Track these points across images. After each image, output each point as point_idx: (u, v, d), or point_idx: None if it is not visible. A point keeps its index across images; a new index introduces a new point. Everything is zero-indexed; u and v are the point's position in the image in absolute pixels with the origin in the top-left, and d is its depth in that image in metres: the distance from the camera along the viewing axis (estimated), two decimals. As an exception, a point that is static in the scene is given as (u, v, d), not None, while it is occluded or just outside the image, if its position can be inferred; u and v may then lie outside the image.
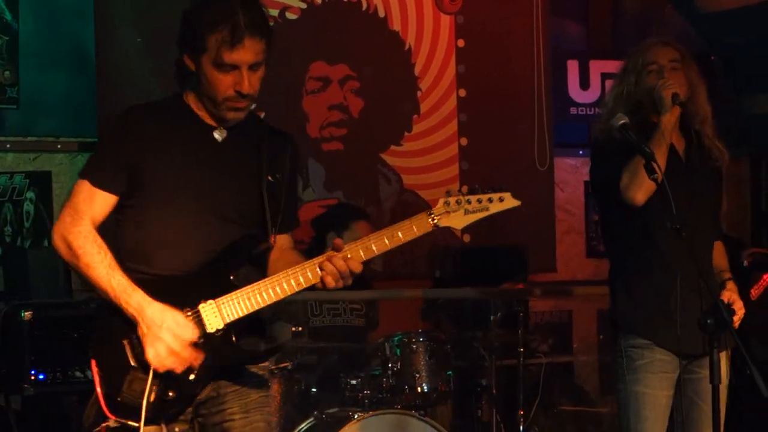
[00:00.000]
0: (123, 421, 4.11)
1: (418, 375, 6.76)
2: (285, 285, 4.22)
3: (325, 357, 7.19)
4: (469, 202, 4.39)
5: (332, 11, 8.64)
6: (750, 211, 9.39)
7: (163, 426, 4.17)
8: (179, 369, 4.10)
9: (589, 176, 5.62)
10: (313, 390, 6.93)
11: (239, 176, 4.32)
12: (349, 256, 4.20)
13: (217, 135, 4.30)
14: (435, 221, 4.33)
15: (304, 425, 6.64)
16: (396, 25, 8.80)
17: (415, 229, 4.30)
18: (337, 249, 4.19)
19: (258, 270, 4.31)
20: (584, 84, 8.99)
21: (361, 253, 4.23)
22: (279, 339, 7.32)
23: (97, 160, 4.27)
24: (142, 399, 4.10)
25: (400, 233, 4.28)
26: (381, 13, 8.77)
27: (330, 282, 4.19)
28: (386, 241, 4.26)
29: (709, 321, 4.70)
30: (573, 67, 8.99)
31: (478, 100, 8.96)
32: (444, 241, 8.83)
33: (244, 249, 4.28)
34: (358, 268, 4.21)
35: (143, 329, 4.09)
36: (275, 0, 8.52)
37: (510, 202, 4.47)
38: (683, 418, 5.32)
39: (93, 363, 4.15)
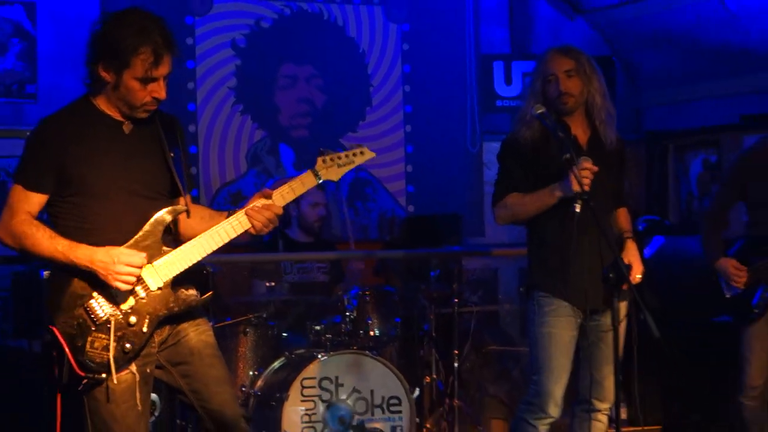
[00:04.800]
0: (92, 375, 4.12)
1: (371, 322, 6.78)
2: (213, 240, 4.29)
3: (294, 307, 7.22)
4: (339, 158, 4.49)
5: (299, 20, 8.67)
6: (645, 186, 9.44)
7: (133, 368, 4.18)
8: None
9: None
10: (284, 335, 6.94)
11: (149, 158, 4.30)
12: (271, 201, 4.33)
13: (124, 128, 4.26)
14: (317, 176, 4.44)
15: (276, 363, 6.66)
16: (352, 33, 8.81)
17: (303, 184, 4.42)
18: (267, 195, 4.33)
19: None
20: (508, 81, 8.98)
21: (278, 198, 4.36)
22: (253, 292, 7.34)
23: (26, 167, 4.19)
24: (107, 354, 4.11)
25: (296, 186, 4.40)
26: (340, 23, 8.77)
27: (258, 224, 4.31)
28: (285, 195, 4.38)
29: (611, 274, 4.74)
30: (498, 66, 8.98)
31: (420, 94, 8.98)
32: (393, 211, 8.85)
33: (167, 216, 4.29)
34: (278, 210, 4.35)
35: (101, 272, 4.08)
36: (252, 11, 8.51)
37: (368, 154, 4.59)
38: (585, 356, 5.35)
39: (56, 331, 4.09)
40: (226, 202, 8.33)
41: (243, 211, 4.33)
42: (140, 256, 4.13)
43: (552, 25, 9.30)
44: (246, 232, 4.35)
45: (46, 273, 5.65)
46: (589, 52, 5.46)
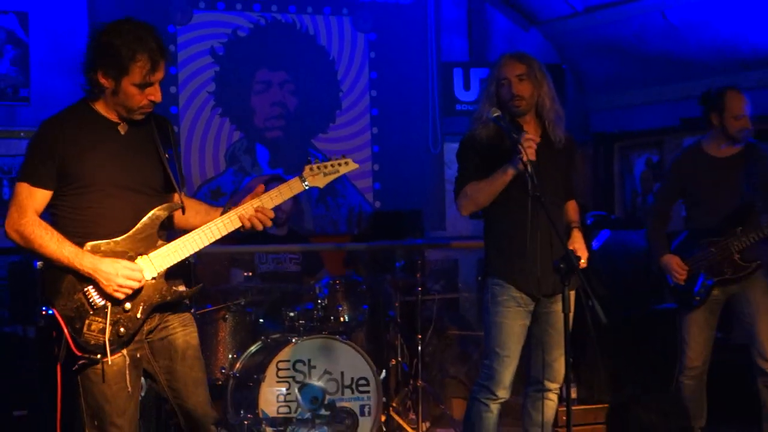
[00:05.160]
0: (88, 356, 4.12)
1: (341, 308, 6.82)
2: (204, 237, 4.29)
3: (270, 295, 7.23)
4: (325, 167, 4.49)
5: (274, 30, 8.65)
6: (593, 184, 9.51)
7: (124, 352, 4.18)
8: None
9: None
10: (261, 320, 6.94)
11: (144, 157, 4.29)
12: (260, 204, 4.34)
13: (120, 129, 4.25)
14: (305, 183, 4.44)
15: (253, 347, 6.68)
16: (323, 41, 8.81)
17: (291, 190, 4.43)
18: (257, 193, 4.36)
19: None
20: (467, 86, 9.02)
21: (267, 201, 4.37)
22: (232, 281, 7.35)
23: (31, 165, 4.16)
24: (103, 337, 4.11)
25: (284, 190, 4.41)
26: (311, 32, 8.77)
27: (248, 224, 4.33)
28: (273, 199, 4.39)
29: (561, 265, 4.78)
30: (458, 73, 9.02)
31: (386, 99, 8.99)
32: (360, 206, 8.87)
33: (163, 212, 4.29)
34: (270, 213, 4.37)
35: (102, 282, 4.08)
36: (229, 21, 8.52)
37: (352, 165, 4.59)
38: (537, 341, 5.40)
39: (56, 313, 4.08)
40: (206, 198, 8.31)
41: (234, 211, 4.33)
42: (140, 273, 4.14)
43: (508, 35, 9.34)
44: (236, 229, 4.36)
45: (39, 263, 5.66)
46: (541, 60, 5.49)
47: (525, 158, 4.91)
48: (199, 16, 8.45)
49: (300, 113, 8.75)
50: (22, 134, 7.66)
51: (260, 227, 4.37)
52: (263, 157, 8.59)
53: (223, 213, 4.36)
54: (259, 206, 4.35)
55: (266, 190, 4.45)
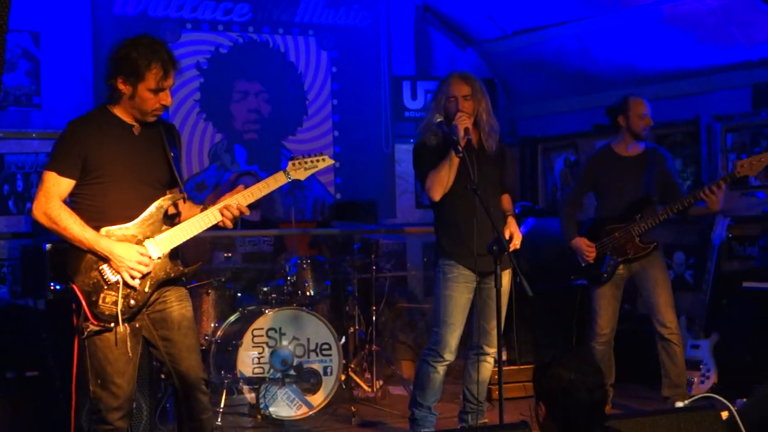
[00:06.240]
0: (103, 324, 4.11)
1: (307, 284, 6.78)
2: (200, 224, 4.27)
3: (247, 273, 7.18)
4: (305, 162, 4.47)
5: (250, 47, 8.57)
6: (520, 179, 9.52)
7: (125, 325, 4.15)
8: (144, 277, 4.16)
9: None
10: (239, 294, 6.92)
11: (153, 155, 4.28)
12: (239, 200, 4.30)
13: (134, 131, 4.24)
14: (288, 175, 4.42)
15: (232, 317, 6.64)
16: (292, 58, 8.74)
17: (276, 182, 4.39)
18: (239, 190, 4.31)
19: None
20: (414, 97, 9.00)
21: (246, 196, 4.32)
22: (214, 261, 7.28)
23: (58, 157, 4.15)
24: (115, 308, 4.10)
25: (268, 184, 4.37)
26: (282, 50, 8.70)
27: (227, 221, 4.28)
28: (261, 189, 4.35)
29: (494, 247, 4.79)
30: (406, 85, 9.00)
31: (345, 107, 8.93)
32: (324, 197, 8.83)
33: (167, 202, 4.28)
34: (245, 210, 4.31)
35: (116, 264, 4.08)
36: (212, 40, 8.44)
37: (328, 161, 4.57)
38: (478, 312, 5.41)
39: (75, 288, 4.09)
40: (192, 191, 8.25)
41: (223, 201, 4.30)
42: (149, 259, 4.14)
43: (448, 54, 9.32)
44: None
45: (48, 246, 5.58)
46: (476, 75, 5.53)
47: (462, 132, 5.10)
48: (186, 35, 8.36)
49: (272, 118, 8.68)
50: (34, 135, 7.59)
51: (235, 221, 4.33)
52: (241, 155, 8.52)
53: (202, 209, 4.32)
54: (234, 205, 4.29)
55: (239, 183, 4.44)
